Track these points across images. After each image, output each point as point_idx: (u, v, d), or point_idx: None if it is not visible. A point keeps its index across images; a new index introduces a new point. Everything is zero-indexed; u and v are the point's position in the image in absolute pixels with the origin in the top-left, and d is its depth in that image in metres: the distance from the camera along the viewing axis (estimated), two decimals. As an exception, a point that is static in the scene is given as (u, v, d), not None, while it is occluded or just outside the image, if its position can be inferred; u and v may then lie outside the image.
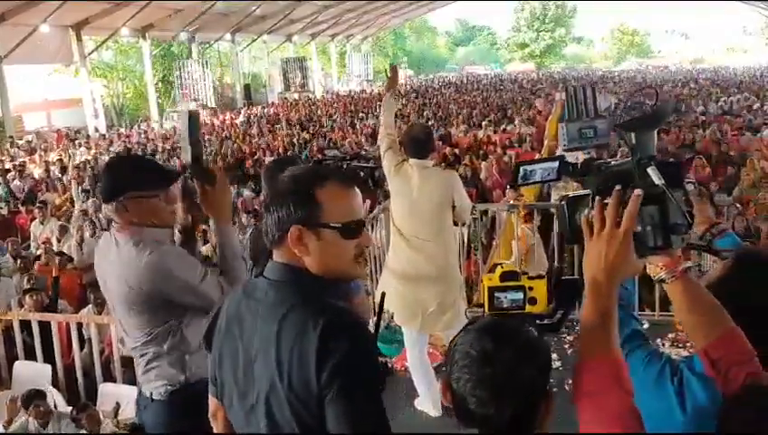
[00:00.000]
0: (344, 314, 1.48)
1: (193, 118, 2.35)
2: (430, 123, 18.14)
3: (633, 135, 1.32)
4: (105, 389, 5.09)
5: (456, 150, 13.89)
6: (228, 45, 35.08)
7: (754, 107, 18.39)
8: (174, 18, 26.62)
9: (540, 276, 1.78)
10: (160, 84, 32.79)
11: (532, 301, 1.74)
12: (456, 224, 3.97)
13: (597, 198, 1.27)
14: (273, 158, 14.59)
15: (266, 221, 1.52)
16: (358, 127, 19.23)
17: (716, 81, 30.13)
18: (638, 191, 1.20)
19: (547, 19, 67.24)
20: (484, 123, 17.22)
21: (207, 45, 34.07)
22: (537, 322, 1.80)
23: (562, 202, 1.38)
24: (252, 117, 26.01)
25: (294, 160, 3.36)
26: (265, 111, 28.84)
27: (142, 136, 21.68)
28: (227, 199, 2.35)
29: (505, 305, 1.75)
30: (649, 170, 1.26)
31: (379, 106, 21.31)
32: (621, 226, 1.21)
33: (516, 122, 17.14)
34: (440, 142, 15.21)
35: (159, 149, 17.64)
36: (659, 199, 1.23)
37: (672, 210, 1.24)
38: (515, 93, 27.80)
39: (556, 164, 1.48)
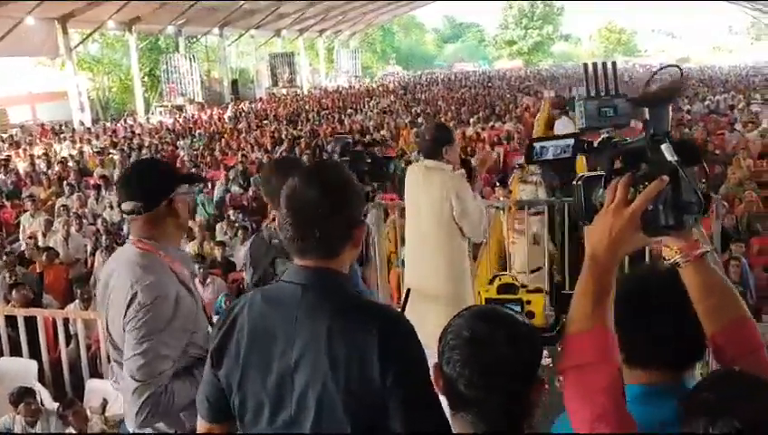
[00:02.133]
0: (394, 312, 1.56)
1: None
2: (419, 120, 18.15)
3: (647, 111, 1.29)
4: (92, 385, 5.03)
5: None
6: (216, 40, 34.85)
7: (740, 106, 18.53)
8: (161, 11, 26.40)
9: (538, 290, 1.78)
10: (147, 78, 32.58)
11: (530, 315, 1.75)
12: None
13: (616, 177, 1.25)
14: (260, 153, 14.58)
15: (328, 229, 1.49)
16: (346, 123, 19.19)
17: (703, 80, 30.32)
18: (663, 177, 1.17)
19: (535, 17, 67.39)
20: (472, 120, 17.25)
21: (195, 39, 33.86)
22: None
23: (579, 182, 1.35)
24: (240, 112, 25.88)
25: (297, 162, 3.32)
26: (253, 106, 28.69)
27: (128, 130, 21.53)
28: None
29: None
30: (663, 147, 1.22)
31: (368, 102, 21.28)
32: (632, 205, 1.19)
33: (506, 120, 17.17)
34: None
35: (146, 144, 17.51)
36: (672, 177, 1.19)
37: (685, 188, 1.20)
38: (503, 91, 27.84)
39: (571, 141, 1.44)
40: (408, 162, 12.27)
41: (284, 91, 36.26)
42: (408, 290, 2.10)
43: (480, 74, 43.81)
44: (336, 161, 2.97)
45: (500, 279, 1.80)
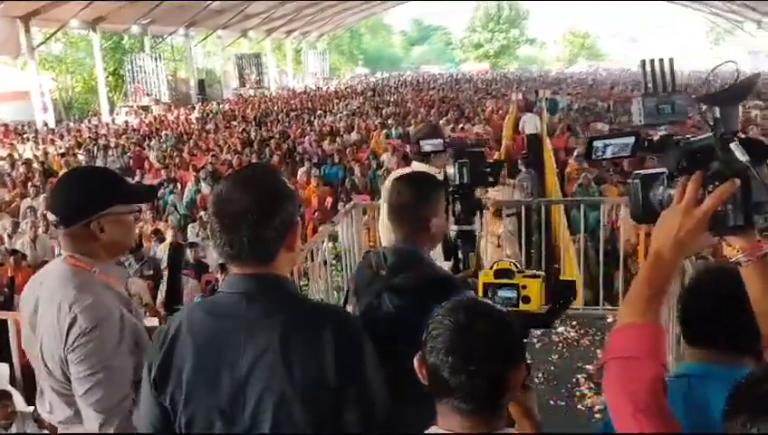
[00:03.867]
0: (343, 311, 1.58)
1: (173, 249, 2.19)
2: (389, 122, 18.20)
3: (717, 109, 1.27)
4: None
5: (415, 149, 13.95)
6: (182, 40, 34.47)
7: (703, 109, 18.93)
8: (126, 11, 26.00)
9: (535, 275, 1.81)
10: (111, 78, 32.08)
11: (526, 299, 1.77)
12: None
13: (682, 176, 1.24)
14: (230, 154, 14.47)
15: (258, 234, 1.45)
16: (316, 124, 19.15)
17: (664, 84, 30.83)
18: (735, 180, 1.16)
19: (501, 20, 68.10)
20: (441, 122, 17.34)
21: (160, 39, 33.43)
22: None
23: (635, 180, 1.36)
24: (207, 113, 25.64)
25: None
26: (221, 106, 28.45)
27: (93, 131, 21.18)
28: None
29: (496, 302, 1.79)
30: (732, 146, 1.20)
31: (337, 104, 21.21)
32: (703, 205, 1.19)
33: (475, 122, 17.33)
34: (400, 141, 15.29)
35: (113, 145, 17.26)
36: (742, 176, 1.17)
37: (756, 188, 1.18)
38: (471, 93, 28.04)
39: (631, 140, 1.43)
40: (380, 164, 12.34)
41: (252, 92, 36.08)
42: (348, 290, 2.13)
43: (447, 77, 44.00)
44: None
45: (498, 264, 1.83)
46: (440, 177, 3.44)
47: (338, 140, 15.58)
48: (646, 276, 1.24)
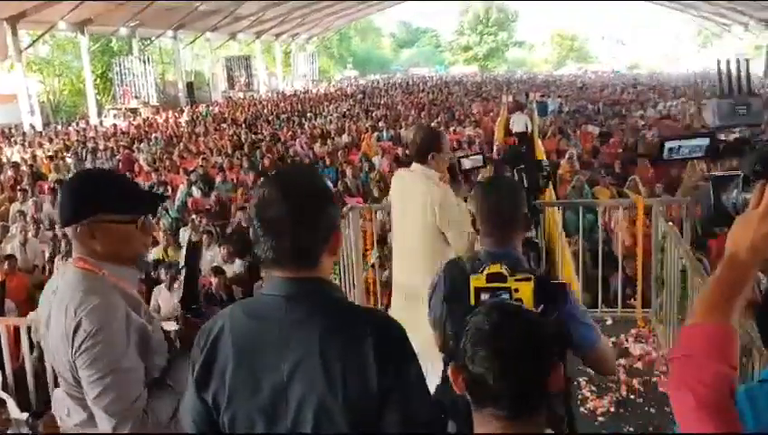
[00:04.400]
0: (385, 316, 1.56)
1: (191, 248, 2.14)
2: (380, 124, 18.21)
3: None
4: (60, 394, 4.89)
5: (407, 151, 13.95)
6: (170, 42, 34.33)
7: (692, 111, 19.08)
8: (114, 13, 25.88)
9: (527, 278, 1.81)
10: (99, 81, 31.92)
11: (518, 302, 1.78)
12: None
13: (759, 180, 1.22)
14: (221, 157, 14.41)
15: (302, 239, 1.44)
16: (306, 127, 19.12)
17: (654, 86, 31.12)
18: None
19: (490, 23, 68.36)
20: (433, 124, 17.36)
21: (148, 42, 33.29)
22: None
23: (708, 182, 1.34)
24: (197, 116, 25.54)
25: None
26: (210, 109, 28.35)
27: (81, 134, 21.03)
28: None
29: None
30: None
31: (327, 106, 21.24)
32: None
33: (466, 124, 17.36)
34: (391, 143, 15.30)
35: (101, 147, 17.14)
36: None
37: None
38: (461, 96, 28.11)
39: (706, 141, 1.40)
40: (372, 167, 12.32)
41: (241, 94, 35.99)
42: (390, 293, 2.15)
43: (437, 79, 44.13)
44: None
45: (489, 268, 1.83)
46: (437, 179, 3.45)
47: (329, 142, 15.55)
48: (717, 278, 1.23)
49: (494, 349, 1.29)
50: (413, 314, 3.17)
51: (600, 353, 2.12)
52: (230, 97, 35.33)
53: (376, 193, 10.44)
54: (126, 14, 26.62)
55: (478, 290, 1.80)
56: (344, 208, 5.12)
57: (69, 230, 1.91)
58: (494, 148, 14.29)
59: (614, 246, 6.95)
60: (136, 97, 29.56)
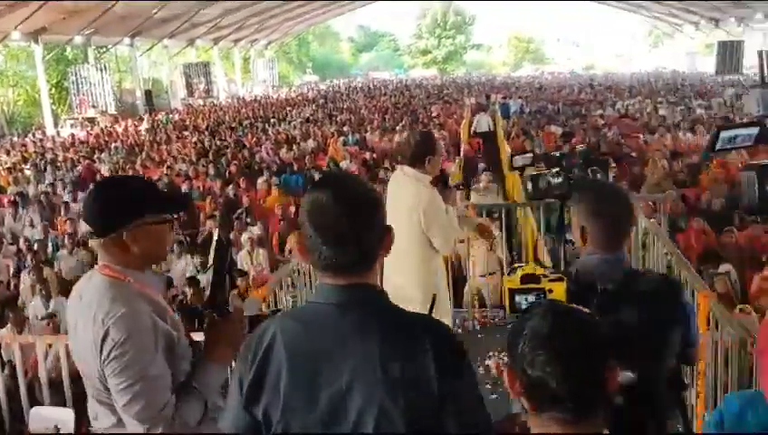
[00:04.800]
0: (442, 325, 1.55)
1: (219, 246, 2.12)
2: (345, 129, 18.18)
3: None
4: (39, 413, 4.77)
5: (375, 155, 13.99)
6: (127, 49, 33.73)
7: (648, 110, 19.51)
8: (68, 21, 25.34)
9: (560, 278, 1.82)
10: (54, 90, 31.21)
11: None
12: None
13: None
14: (185, 165, 14.21)
15: (362, 242, 1.44)
16: (271, 133, 18.99)
17: (610, 86, 31.71)
18: None
19: (448, 26, 68.88)
20: (398, 128, 17.41)
21: (104, 50, 32.67)
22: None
23: (749, 172, 1.35)
24: (157, 124, 25.14)
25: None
26: (170, 117, 27.94)
27: (39, 145, 20.54)
28: (236, 338, 1.99)
29: (524, 307, 1.79)
30: None
31: (290, 111, 21.09)
32: None
33: (431, 127, 17.42)
34: (357, 148, 15.29)
35: (61, 158, 16.77)
36: None
37: None
38: (423, 99, 28.24)
39: (755, 130, 1.42)
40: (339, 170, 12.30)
41: (201, 101, 35.53)
42: (434, 295, 2.10)
43: (397, 83, 44.27)
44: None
45: (522, 269, 1.84)
46: (428, 183, 3.47)
47: (295, 148, 15.47)
48: None
49: (555, 352, 1.28)
50: None
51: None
52: (190, 104, 34.85)
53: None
54: (81, 22, 26.08)
55: (513, 292, 1.80)
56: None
57: (100, 240, 1.91)
58: (461, 149, 14.43)
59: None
60: (93, 106, 28.95)
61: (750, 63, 38.86)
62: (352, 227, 1.42)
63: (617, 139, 13.99)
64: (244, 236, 8.34)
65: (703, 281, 3.59)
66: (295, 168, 12.93)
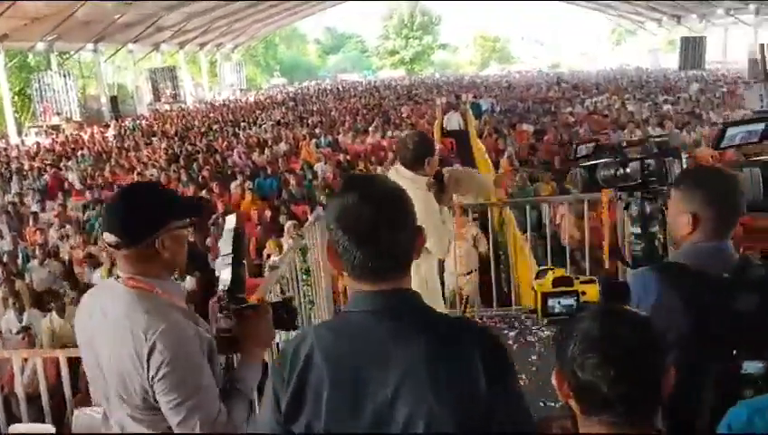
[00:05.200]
0: (487, 329, 1.52)
1: (237, 234, 2.02)
2: (317, 131, 18.10)
3: None
4: (17, 429, 4.65)
5: (348, 157, 13.94)
6: (91, 55, 33.14)
7: (616, 106, 19.76)
8: (30, 27, 24.80)
9: (591, 280, 1.78)
10: (17, 98, 30.56)
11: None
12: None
13: None
14: (155, 171, 14.01)
15: (397, 245, 1.39)
16: (242, 136, 18.81)
17: (576, 84, 32.06)
18: None
19: (414, 27, 69.09)
20: (371, 129, 17.39)
21: (68, 56, 32.08)
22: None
23: (753, 168, 1.33)
24: (124, 130, 24.76)
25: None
26: (137, 123, 27.54)
27: (2, 154, 20.07)
28: (270, 333, 1.99)
29: (557, 311, 1.75)
30: None
31: (259, 115, 20.89)
32: None
33: (402, 127, 17.44)
34: (330, 149, 15.22)
35: (27, 167, 16.41)
36: None
37: None
38: (393, 100, 28.25)
39: (761, 127, 1.39)
40: (315, 174, 12.22)
41: (168, 106, 35.12)
42: (467, 297, 2.07)
43: (366, 84, 44.27)
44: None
45: (553, 272, 1.80)
46: (422, 184, 3.42)
47: (267, 151, 15.34)
48: None
49: (607, 355, 1.25)
50: None
51: None
52: (157, 109, 34.42)
53: (323, 200, 10.34)
54: (43, 29, 25.56)
55: (545, 296, 1.76)
56: (311, 218, 5.05)
57: (127, 251, 1.84)
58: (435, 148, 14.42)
59: (562, 241, 7.09)
60: (57, 113, 28.42)
61: (711, 59, 39.86)
62: (385, 227, 1.37)
63: (588, 135, 14.13)
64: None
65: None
66: (269, 171, 12.80)
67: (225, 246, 2.00)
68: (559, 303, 1.76)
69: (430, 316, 1.45)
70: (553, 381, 1.36)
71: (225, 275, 1.98)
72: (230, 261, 1.99)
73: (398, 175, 3.43)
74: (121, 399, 1.84)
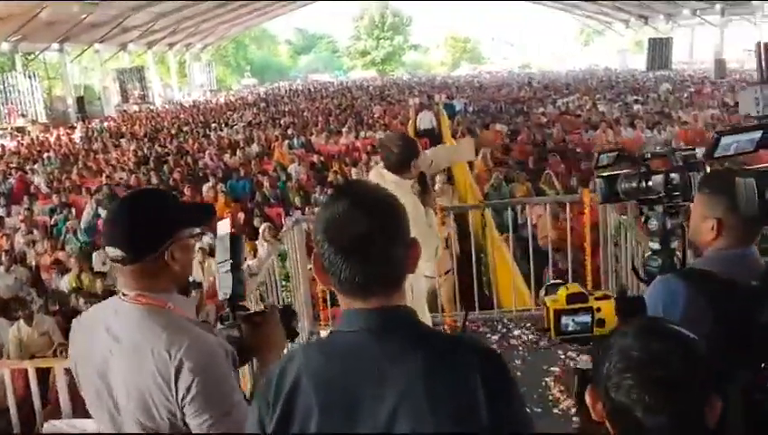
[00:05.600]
0: (486, 346, 1.42)
1: (233, 239, 1.89)
2: (289, 132, 17.93)
3: None
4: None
5: (322, 158, 13.82)
6: (57, 56, 32.50)
7: (588, 106, 19.91)
8: (-7, 27, 24.26)
9: (606, 296, 1.68)
10: (-20, 100, 29.78)
11: (600, 323, 1.64)
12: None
13: None
14: (125, 174, 13.73)
15: (390, 258, 1.28)
16: (213, 138, 18.55)
17: (547, 84, 32.29)
18: None
19: (385, 27, 69.05)
20: (344, 130, 17.27)
21: (32, 56, 31.41)
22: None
23: (747, 178, 1.26)
24: (91, 132, 24.28)
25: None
26: (105, 124, 27.04)
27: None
28: (282, 338, 1.88)
29: (571, 329, 1.65)
30: None
31: (230, 116, 20.71)
32: None
33: (376, 128, 17.38)
34: (303, 150, 15.09)
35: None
36: None
37: None
38: (366, 100, 28.15)
39: (756, 135, 1.33)
40: (289, 175, 12.07)
41: (136, 107, 34.60)
42: (467, 313, 1.97)
43: (338, 85, 44.10)
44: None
45: (567, 288, 1.69)
46: (408, 188, 3.34)
47: (239, 152, 15.14)
48: None
49: (646, 379, 1.15)
50: None
51: None
52: (125, 110, 33.87)
53: (297, 202, 10.22)
54: (7, 29, 24.96)
55: (558, 313, 1.66)
56: (288, 222, 4.93)
57: (132, 266, 1.68)
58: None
59: (539, 242, 7.07)
60: (22, 115, 27.86)
61: (677, 59, 40.51)
62: (377, 239, 1.26)
63: (561, 135, 14.22)
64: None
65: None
66: (242, 173, 12.62)
67: (222, 251, 1.88)
68: (573, 320, 1.65)
69: (429, 335, 1.36)
70: (587, 400, 1.27)
71: (225, 282, 1.85)
72: (228, 267, 1.86)
73: (383, 178, 3.33)
74: (141, 425, 1.69)
